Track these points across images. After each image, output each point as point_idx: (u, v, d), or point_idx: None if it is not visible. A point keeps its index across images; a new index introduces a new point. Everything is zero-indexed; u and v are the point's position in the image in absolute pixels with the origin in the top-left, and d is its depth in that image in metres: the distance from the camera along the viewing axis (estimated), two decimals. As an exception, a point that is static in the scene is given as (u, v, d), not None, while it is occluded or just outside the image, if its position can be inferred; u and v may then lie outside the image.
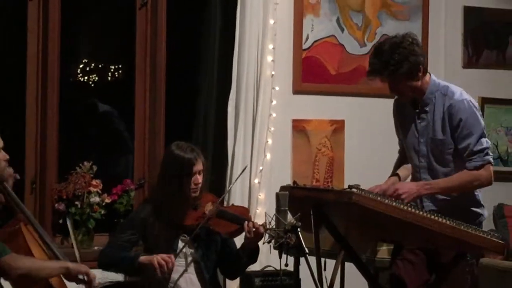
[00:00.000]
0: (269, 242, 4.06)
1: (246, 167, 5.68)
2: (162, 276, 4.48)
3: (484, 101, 6.78)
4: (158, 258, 4.45)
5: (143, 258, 4.52)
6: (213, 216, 4.59)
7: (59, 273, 4.01)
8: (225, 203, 5.57)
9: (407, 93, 4.52)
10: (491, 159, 4.47)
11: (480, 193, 4.57)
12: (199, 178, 4.64)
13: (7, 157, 4.05)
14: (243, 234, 4.61)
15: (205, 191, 4.77)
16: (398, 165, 4.82)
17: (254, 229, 4.50)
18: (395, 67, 4.39)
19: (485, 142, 4.45)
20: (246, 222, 4.53)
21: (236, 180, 5.18)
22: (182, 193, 4.61)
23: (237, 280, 5.62)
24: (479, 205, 4.56)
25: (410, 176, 4.72)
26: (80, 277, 4.02)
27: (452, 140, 4.47)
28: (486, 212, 4.63)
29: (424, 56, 4.54)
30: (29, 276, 3.93)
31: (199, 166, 4.64)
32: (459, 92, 4.52)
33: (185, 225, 4.63)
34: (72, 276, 4.02)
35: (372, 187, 4.47)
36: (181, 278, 4.60)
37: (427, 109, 4.53)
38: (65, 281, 4.20)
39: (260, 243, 4.77)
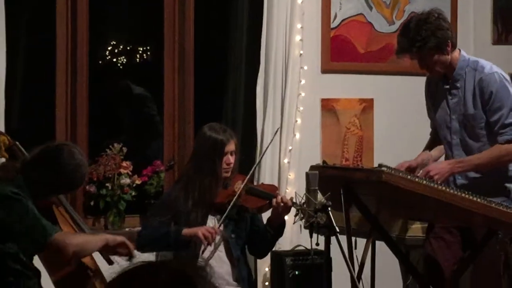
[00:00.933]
0: (301, 219, 4.08)
1: (278, 128, 5.69)
2: (204, 248, 4.55)
3: (514, 78, 6.73)
4: (202, 230, 4.54)
5: (186, 231, 4.59)
6: (242, 193, 4.64)
7: (100, 246, 4.02)
8: (254, 183, 5.61)
9: (437, 69, 4.51)
10: None
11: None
12: (231, 158, 4.71)
13: None
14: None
15: (236, 172, 4.82)
16: (429, 145, 4.82)
17: (282, 204, 4.54)
18: (423, 43, 4.39)
19: None
20: (274, 198, 4.58)
21: (268, 146, 5.21)
22: (215, 172, 4.68)
23: (268, 260, 5.65)
24: (512, 181, 4.56)
25: (443, 156, 4.72)
26: (119, 249, 4.04)
27: (484, 114, 4.47)
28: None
29: (451, 31, 4.54)
30: (78, 254, 3.95)
31: (231, 147, 4.71)
32: (489, 66, 4.53)
33: (215, 203, 4.69)
34: (111, 248, 4.03)
35: (401, 164, 4.49)
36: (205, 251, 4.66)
37: (458, 85, 4.53)
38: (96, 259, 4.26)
39: (290, 223, 4.81)
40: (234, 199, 4.60)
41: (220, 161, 4.69)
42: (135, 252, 4.12)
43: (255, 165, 5.20)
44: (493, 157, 4.44)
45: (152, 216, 4.84)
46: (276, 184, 5.79)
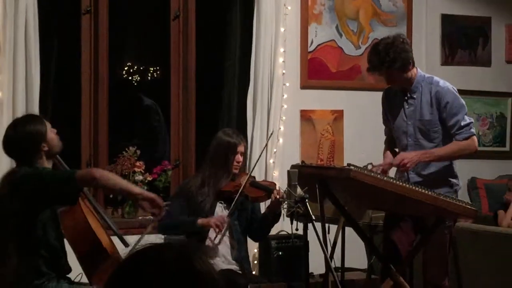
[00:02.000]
0: (283, 208, 4.12)
1: (272, 131, 5.70)
2: (216, 235, 4.60)
3: (459, 93, 6.73)
4: (214, 220, 4.58)
5: (200, 221, 4.62)
6: (247, 184, 4.68)
7: (135, 192, 3.83)
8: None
9: (400, 84, 4.53)
10: (475, 132, 4.51)
11: (456, 167, 4.59)
12: (240, 158, 4.78)
13: (55, 130, 4.05)
14: (266, 201, 4.72)
15: (242, 171, 4.86)
16: (387, 146, 4.83)
17: (279, 197, 4.58)
18: (390, 63, 4.40)
19: (468, 118, 4.52)
20: (275, 191, 4.66)
21: (264, 148, 5.29)
22: (227, 167, 4.71)
23: (256, 243, 5.63)
24: (455, 176, 4.58)
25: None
26: (151, 206, 3.79)
27: (440, 120, 4.49)
28: (461, 182, 4.66)
29: (412, 52, 4.55)
30: (103, 178, 3.76)
31: (241, 148, 4.81)
32: (442, 81, 4.58)
33: (223, 191, 4.72)
34: (145, 199, 3.80)
35: (376, 167, 4.47)
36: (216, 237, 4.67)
37: (414, 96, 4.55)
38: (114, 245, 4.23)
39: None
40: (240, 189, 4.65)
41: (232, 158, 4.74)
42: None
43: (255, 163, 5.23)
44: (454, 150, 4.48)
45: (171, 204, 4.85)
46: (263, 180, 5.81)
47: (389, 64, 4.40)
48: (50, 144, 3.97)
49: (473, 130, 4.50)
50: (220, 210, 4.76)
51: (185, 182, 5.05)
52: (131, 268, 1.60)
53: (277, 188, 4.78)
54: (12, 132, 3.95)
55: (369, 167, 4.33)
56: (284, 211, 4.12)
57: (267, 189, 4.72)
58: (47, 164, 3.97)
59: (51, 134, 3.99)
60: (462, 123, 4.47)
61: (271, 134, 5.53)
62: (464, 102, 4.55)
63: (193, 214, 4.74)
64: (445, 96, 4.48)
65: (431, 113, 4.51)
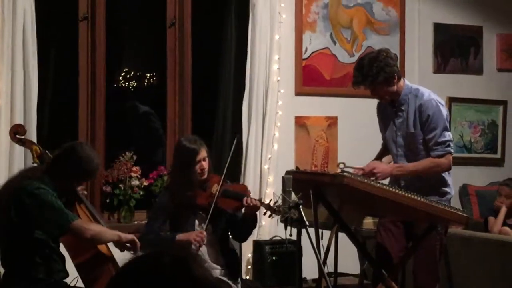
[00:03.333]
0: (271, 214, 4.08)
1: (236, 138, 5.48)
2: (196, 249, 4.50)
3: (451, 100, 6.78)
4: (193, 236, 4.48)
5: (180, 236, 4.53)
6: (219, 196, 4.57)
7: (114, 240, 4.00)
8: (240, 182, 5.60)
9: (385, 97, 4.55)
10: (452, 150, 4.49)
11: (447, 176, 4.59)
12: (204, 164, 4.63)
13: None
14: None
15: (211, 173, 4.74)
16: (380, 154, 4.85)
17: (251, 204, 4.49)
18: (373, 78, 4.41)
19: (448, 135, 4.47)
20: (244, 198, 4.53)
21: (231, 154, 4.94)
22: (191, 178, 4.60)
23: (250, 248, 5.65)
24: (447, 185, 4.58)
25: (392, 163, 4.75)
26: (127, 245, 4.03)
27: (422, 133, 4.50)
28: (453, 191, 4.66)
29: (397, 66, 4.55)
30: (95, 239, 3.94)
31: (202, 154, 4.63)
32: (428, 93, 4.54)
33: (198, 205, 4.62)
34: (121, 243, 4.01)
35: (355, 170, 4.48)
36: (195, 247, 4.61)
37: (402, 108, 4.56)
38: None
39: (269, 218, 4.77)
40: (212, 207, 4.53)
41: (195, 168, 4.62)
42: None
43: (223, 174, 4.98)
44: (425, 166, 4.47)
45: (150, 222, 4.77)
46: (258, 186, 5.80)
47: (372, 79, 4.42)
48: (76, 186, 4.11)
49: (449, 148, 4.46)
50: (198, 223, 4.67)
51: (160, 199, 4.88)
52: (129, 274, 1.60)
53: (249, 192, 4.69)
54: (79, 150, 4.03)
55: (341, 166, 4.35)
56: (278, 217, 4.11)
57: (240, 196, 4.62)
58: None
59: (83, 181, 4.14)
60: (439, 140, 4.45)
61: (236, 139, 5.34)
62: (446, 118, 4.50)
63: (173, 228, 4.66)
64: (426, 109, 4.47)
65: (415, 127, 4.52)
